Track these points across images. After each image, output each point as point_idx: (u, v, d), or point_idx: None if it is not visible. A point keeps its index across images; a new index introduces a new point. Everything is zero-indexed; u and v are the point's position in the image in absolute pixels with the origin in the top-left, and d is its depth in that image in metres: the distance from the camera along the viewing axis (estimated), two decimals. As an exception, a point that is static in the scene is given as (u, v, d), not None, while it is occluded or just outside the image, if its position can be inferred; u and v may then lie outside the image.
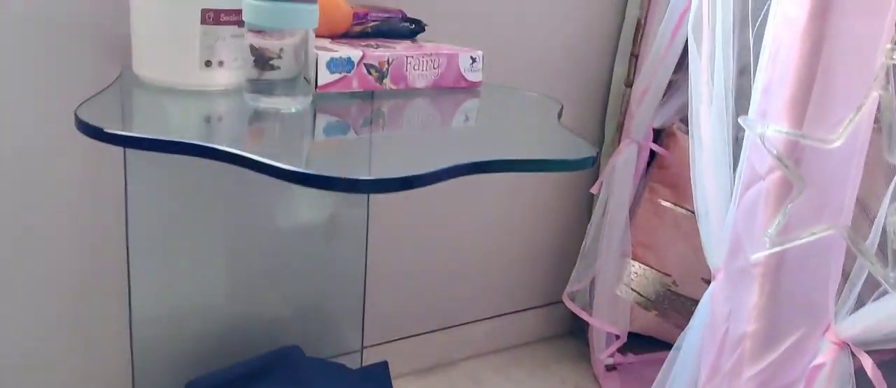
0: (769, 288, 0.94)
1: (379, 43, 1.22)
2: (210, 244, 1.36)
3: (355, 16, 1.29)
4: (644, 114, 1.60)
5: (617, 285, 1.74)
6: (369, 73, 1.13)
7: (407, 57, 1.16)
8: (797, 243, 0.88)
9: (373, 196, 1.50)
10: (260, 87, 0.98)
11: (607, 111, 1.80)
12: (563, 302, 1.80)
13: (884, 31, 0.83)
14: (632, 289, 1.76)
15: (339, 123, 1.09)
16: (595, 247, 1.73)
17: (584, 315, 1.75)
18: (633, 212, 1.74)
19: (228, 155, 0.80)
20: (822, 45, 0.86)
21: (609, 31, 1.75)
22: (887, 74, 0.82)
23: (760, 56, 0.93)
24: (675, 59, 1.51)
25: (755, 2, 1.06)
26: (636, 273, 1.76)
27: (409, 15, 1.34)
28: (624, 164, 1.67)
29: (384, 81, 1.15)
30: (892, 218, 0.85)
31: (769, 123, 0.90)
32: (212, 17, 1.03)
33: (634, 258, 1.75)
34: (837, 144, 0.85)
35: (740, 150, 1.03)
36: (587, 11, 1.70)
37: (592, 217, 1.73)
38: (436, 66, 1.20)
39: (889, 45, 0.82)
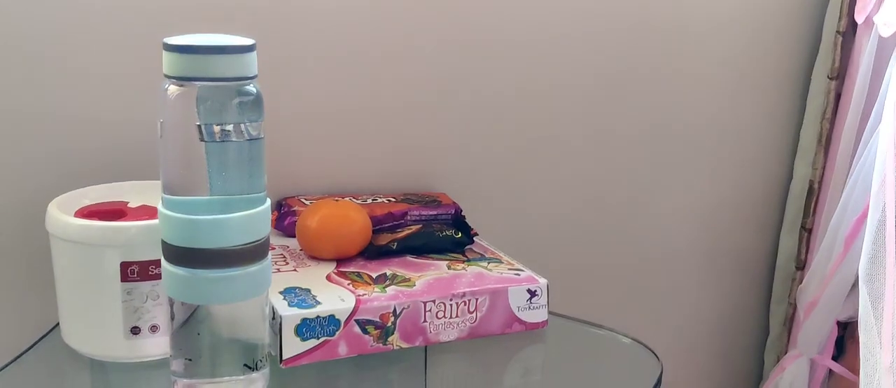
0: None
1: (400, 269, 0.89)
2: None
3: (389, 218, 0.97)
4: (814, 328, 1.14)
5: None
6: (365, 332, 0.80)
7: (425, 302, 0.82)
8: None
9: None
10: (189, 369, 0.69)
11: (772, 297, 1.34)
12: None
13: None
14: None
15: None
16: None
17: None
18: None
19: None
20: None
21: (774, 196, 1.30)
22: None
23: None
24: (853, 275, 1.05)
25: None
26: None
27: (465, 212, 1.01)
28: (790, 383, 1.20)
29: (390, 339, 0.81)
30: None
31: None
32: (136, 272, 0.76)
33: None
34: None
35: None
36: (740, 171, 1.27)
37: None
38: (472, 308, 0.85)
39: None
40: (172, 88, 0.62)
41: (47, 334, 0.84)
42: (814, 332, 1.16)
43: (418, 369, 0.83)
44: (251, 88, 0.63)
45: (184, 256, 0.65)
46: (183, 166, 0.65)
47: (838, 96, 1.20)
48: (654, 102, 1.17)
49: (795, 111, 1.27)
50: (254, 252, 0.67)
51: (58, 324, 0.81)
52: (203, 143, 0.61)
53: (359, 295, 0.81)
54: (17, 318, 0.92)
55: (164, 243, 0.66)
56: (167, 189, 0.65)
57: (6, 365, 0.78)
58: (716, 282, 1.31)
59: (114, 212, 0.79)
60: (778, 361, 1.27)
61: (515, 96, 1.10)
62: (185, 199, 0.64)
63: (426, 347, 0.83)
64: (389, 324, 0.81)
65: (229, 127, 0.62)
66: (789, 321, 1.30)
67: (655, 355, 0.83)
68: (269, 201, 0.67)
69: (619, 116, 1.16)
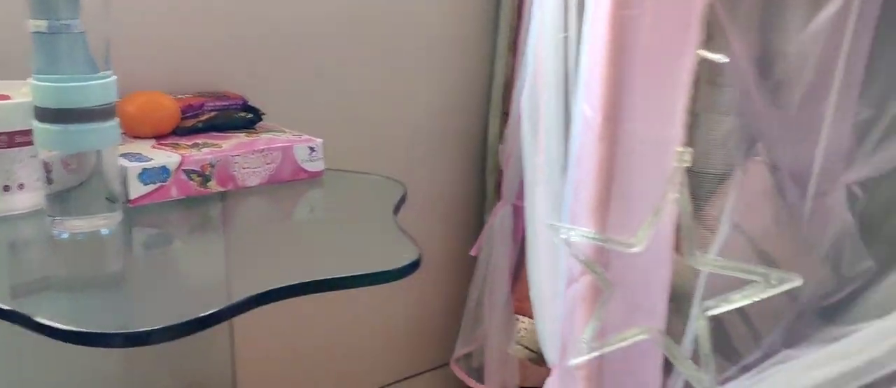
0: (593, 391, 0.92)
1: (209, 139, 1.17)
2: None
3: (188, 108, 1.24)
4: (513, 176, 1.57)
5: (507, 345, 1.71)
6: (191, 178, 1.08)
7: (233, 156, 1.11)
8: (610, 348, 0.86)
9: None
10: (59, 209, 0.93)
11: (486, 167, 1.77)
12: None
13: (675, 135, 0.81)
14: (522, 346, 1.73)
15: (155, 237, 1.04)
16: (479, 309, 1.69)
17: (469, 381, 1.72)
18: (516, 270, 1.71)
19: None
20: (617, 149, 0.84)
21: (481, 89, 1.72)
22: (680, 177, 0.80)
23: (568, 154, 0.91)
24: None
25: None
26: (525, 329, 1.73)
27: (251, 102, 1.29)
28: (500, 225, 1.64)
29: (209, 184, 1.10)
30: (700, 322, 0.82)
31: (575, 228, 0.87)
32: (5, 141, 0.98)
33: (522, 313, 1.72)
34: (638, 248, 0.82)
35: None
36: (456, 73, 1.68)
37: (474, 280, 1.70)
38: (269, 160, 1.16)
39: (680, 149, 0.80)
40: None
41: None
42: (512, 180, 1.60)
43: (231, 206, 1.12)
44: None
45: (58, 115, 0.90)
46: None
47: (520, 6, 1.62)
48: (391, 22, 1.54)
49: (491, 23, 1.70)
50: (108, 111, 0.93)
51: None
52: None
53: (182, 153, 1.08)
54: None
55: (40, 108, 0.90)
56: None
57: None
58: (443, 156, 1.72)
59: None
60: (493, 215, 1.71)
61: (288, 22, 1.41)
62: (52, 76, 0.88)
63: (236, 190, 1.12)
64: (208, 172, 1.09)
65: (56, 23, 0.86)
66: (498, 187, 1.73)
67: (401, 183, 1.20)
68: (115, 76, 0.93)
69: (363, 33, 1.51)
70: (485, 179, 1.77)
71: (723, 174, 2.02)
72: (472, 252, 1.70)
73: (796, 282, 0.77)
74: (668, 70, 0.78)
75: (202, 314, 0.79)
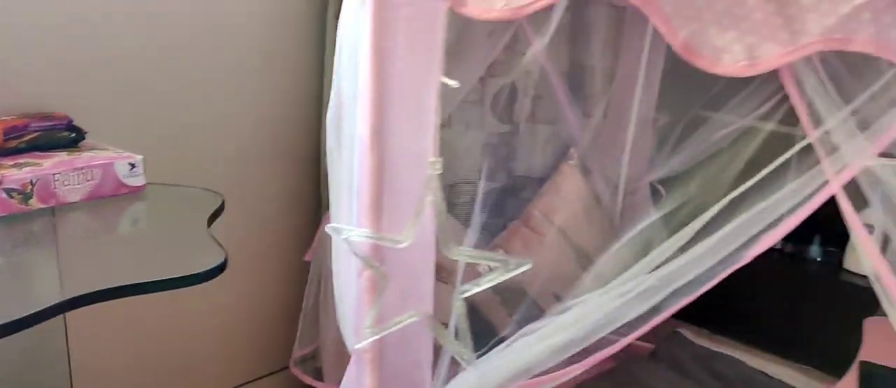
0: (377, 372, 1.05)
1: (31, 159, 1.24)
2: None
3: (12, 129, 1.30)
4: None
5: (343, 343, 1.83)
6: (11, 196, 1.15)
7: (53, 174, 1.19)
8: (389, 331, 1.00)
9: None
10: None
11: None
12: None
13: (429, 146, 0.96)
14: (359, 344, 1.86)
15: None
16: (315, 311, 1.81)
17: (309, 380, 1.83)
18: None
19: None
20: (385, 159, 0.98)
21: (312, 103, 1.84)
22: (435, 182, 0.95)
23: (352, 163, 1.05)
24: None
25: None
26: (362, 328, 1.86)
27: (78, 122, 1.37)
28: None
29: (30, 201, 1.17)
30: (458, 303, 0.97)
31: (353, 228, 1.01)
32: None
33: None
34: (405, 243, 0.97)
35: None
36: (285, 88, 1.79)
37: (309, 283, 1.81)
38: (89, 177, 1.24)
39: (433, 159, 0.95)
40: None
41: None
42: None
43: (54, 222, 1.19)
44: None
45: None
46: None
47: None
48: (215, 42, 1.63)
49: (319, 40, 1.82)
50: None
51: None
52: None
53: (2, 173, 1.15)
54: None
55: None
56: None
57: None
58: (276, 168, 1.82)
59: None
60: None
61: (113, 43, 1.48)
62: None
63: (59, 206, 1.20)
64: (29, 190, 1.17)
65: None
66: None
67: (219, 194, 1.30)
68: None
69: (189, 53, 1.60)
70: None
71: (542, 178, 2.24)
72: (306, 257, 1.81)
73: (526, 266, 0.93)
74: (418, 92, 0.93)
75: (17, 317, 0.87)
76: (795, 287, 2.13)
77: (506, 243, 2.05)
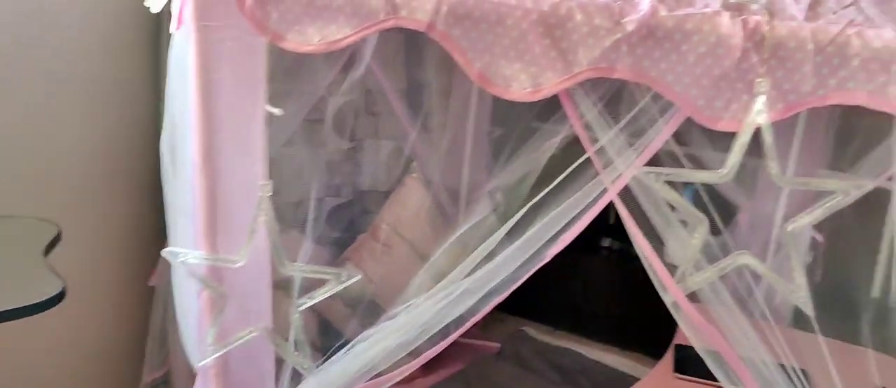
0: (223, 387, 1.11)
1: None
2: None
3: None
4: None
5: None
6: None
7: None
8: (231, 347, 1.06)
9: None
10: None
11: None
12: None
13: (259, 171, 1.03)
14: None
15: None
16: (162, 335, 1.82)
17: (159, 404, 1.84)
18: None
19: None
20: (217, 183, 1.04)
21: (150, 131, 1.85)
22: (266, 203, 1.02)
23: (186, 187, 1.10)
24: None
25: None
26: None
27: None
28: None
29: None
30: (296, 316, 1.05)
31: (189, 251, 1.06)
32: None
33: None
34: (241, 263, 1.03)
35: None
36: (122, 117, 1.80)
37: (154, 307, 1.82)
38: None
39: (263, 182, 1.02)
40: None
41: None
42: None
43: None
44: None
45: None
46: None
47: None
48: (45, 71, 1.62)
49: (155, 71, 1.84)
50: None
51: None
52: None
53: None
54: None
55: None
56: None
57: None
58: (116, 195, 1.82)
59: None
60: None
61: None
62: None
63: None
64: None
65: None
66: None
67: (54, 223, 1.31)
68: None
69: (19, 84, 1.58)
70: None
71: (388, 191, 2.33)
72: (150, 282, 1.82)
73: (357, 277, 1.02)
74: (245, 121, 1.00)
75: None
76: (623, 282, 2.34)
77: (355, 255, 2.13)
